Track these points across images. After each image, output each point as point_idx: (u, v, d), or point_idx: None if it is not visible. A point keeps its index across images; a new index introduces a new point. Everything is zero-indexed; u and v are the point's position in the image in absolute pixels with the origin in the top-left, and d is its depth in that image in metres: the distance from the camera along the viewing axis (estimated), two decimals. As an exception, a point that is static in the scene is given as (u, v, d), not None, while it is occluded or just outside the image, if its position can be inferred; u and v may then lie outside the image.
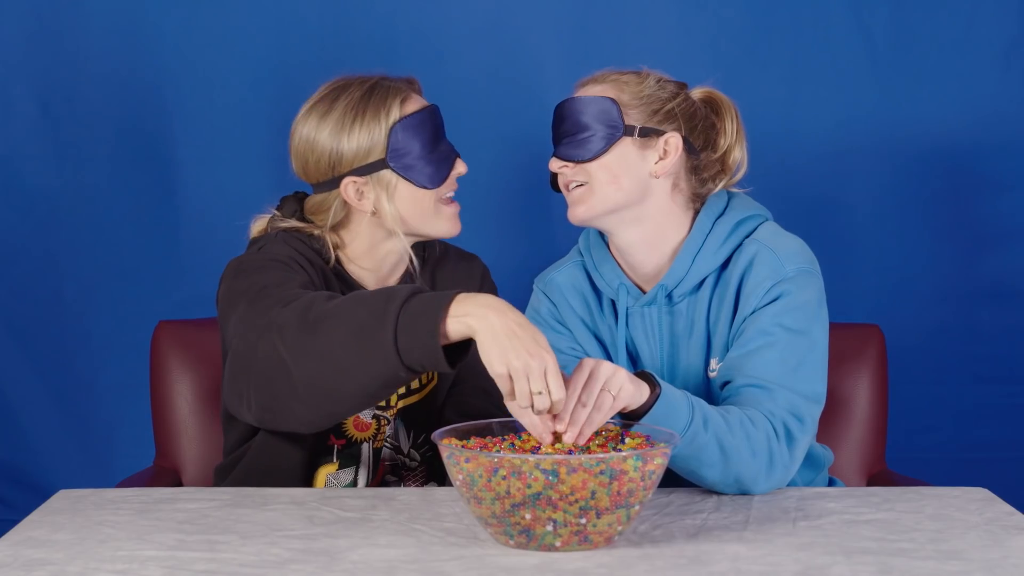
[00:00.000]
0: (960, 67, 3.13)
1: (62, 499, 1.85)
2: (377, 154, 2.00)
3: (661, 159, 1.98)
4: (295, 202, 2.11)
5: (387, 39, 3.16)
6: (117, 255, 3.23)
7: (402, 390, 2.13)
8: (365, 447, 2.11)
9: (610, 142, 1.96)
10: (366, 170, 2.00)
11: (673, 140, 1.98)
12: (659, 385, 1.75)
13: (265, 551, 1.58)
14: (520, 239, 3.14)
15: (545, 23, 3.17)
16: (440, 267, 2.19)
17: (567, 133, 1.99)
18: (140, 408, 2.64)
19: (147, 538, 1.64)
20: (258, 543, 1.61)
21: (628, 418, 1.75)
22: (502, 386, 1.61)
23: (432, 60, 3.14)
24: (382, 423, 2.11)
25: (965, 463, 3.15)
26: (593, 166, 1.97)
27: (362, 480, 2.11)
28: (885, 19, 3.14)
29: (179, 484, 2.35)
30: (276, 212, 2.11)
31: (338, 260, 2.07)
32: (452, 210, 2.07)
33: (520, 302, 2.18)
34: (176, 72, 3.18)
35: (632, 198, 1.98)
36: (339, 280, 2.05)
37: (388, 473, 2.16)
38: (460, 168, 2.07)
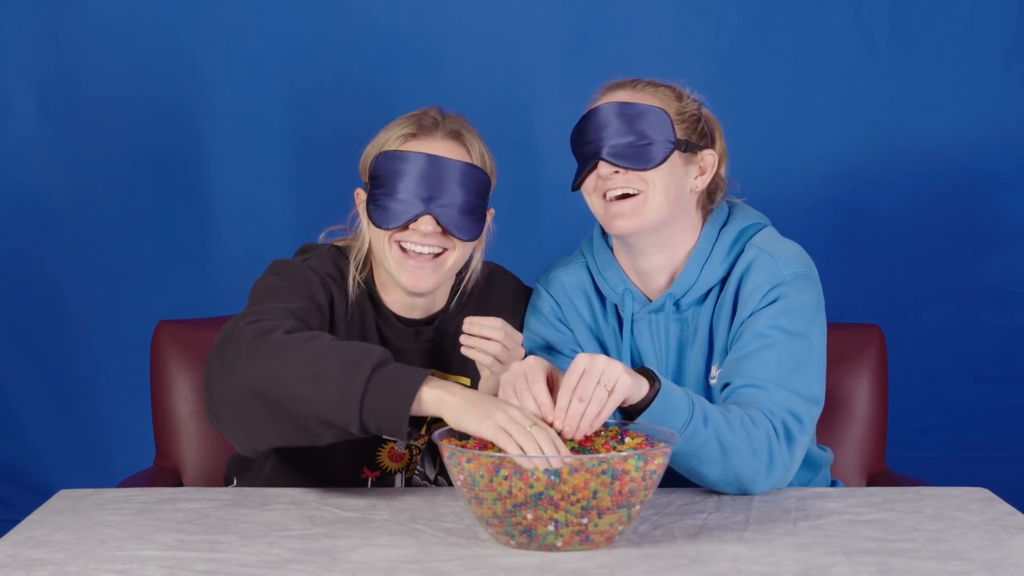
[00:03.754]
0: (960, 68, 3.14)
1: (62, 499, 1.85)
2: (366, 175, 2.01)
3: (700, 175, 1.99)
4: None
5: (387, 43, 3.17)
6: (117, 255, 3.23)
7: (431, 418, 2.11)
8: (398, 478, 2.10)
9: (667, 153, 1.95)
10: (365, 184, 2.02)
11: (710, 157, 1.99)
12: (659, 380, 1.74)
13: (265, 551, 1.58)
14: (512, 242, 3.13)
15: (543, 25, 3.17)
16: (485, 297, 2.14)
17: (618, 136, 1.94)
18: (140, 408, 2.64)
19: (147, 538, 1.64)
20: (258, 543, 1.61)
21: (627, 413, 1.75)
22: (502, 443, 1.59)
23: (431, 62, 3.14)
24: (414, 452, 2.11)
25: (965, 463, 3.16)
26: (652, 175, 1.94)
27: None
28: (885, 21, 3.14)
29: (179, 484, 2.35)
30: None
31: (376, 282, 2.05)
32: (411, 263, 1.95)
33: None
34: (176, 73, 3.18)
35: (676, 212, 1.97)
36: (372, 304, 2.04)
37: None
38: (423, 225, 1.93)
